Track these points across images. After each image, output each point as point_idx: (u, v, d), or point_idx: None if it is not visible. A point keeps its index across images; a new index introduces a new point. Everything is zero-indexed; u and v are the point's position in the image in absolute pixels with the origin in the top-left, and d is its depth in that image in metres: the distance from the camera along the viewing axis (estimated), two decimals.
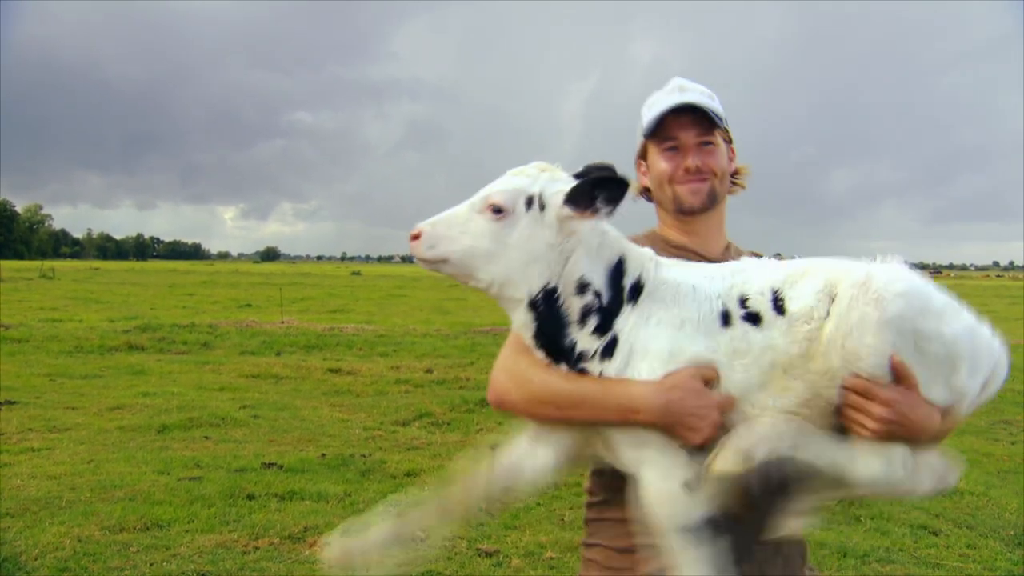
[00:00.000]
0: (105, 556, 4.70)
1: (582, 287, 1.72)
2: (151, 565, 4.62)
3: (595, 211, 1.66)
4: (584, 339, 1.72)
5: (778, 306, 1.69)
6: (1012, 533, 5.51)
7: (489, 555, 4.91)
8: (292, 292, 31.58)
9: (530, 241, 1.70)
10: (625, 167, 2.15)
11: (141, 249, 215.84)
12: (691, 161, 1.97)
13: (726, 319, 1.70)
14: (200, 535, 5.06)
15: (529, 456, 1.82)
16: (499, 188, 1.73)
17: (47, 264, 55.92)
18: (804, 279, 1.71)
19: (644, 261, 1.79)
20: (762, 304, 1.70)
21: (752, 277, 1.75)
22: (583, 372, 1.72)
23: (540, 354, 1.77)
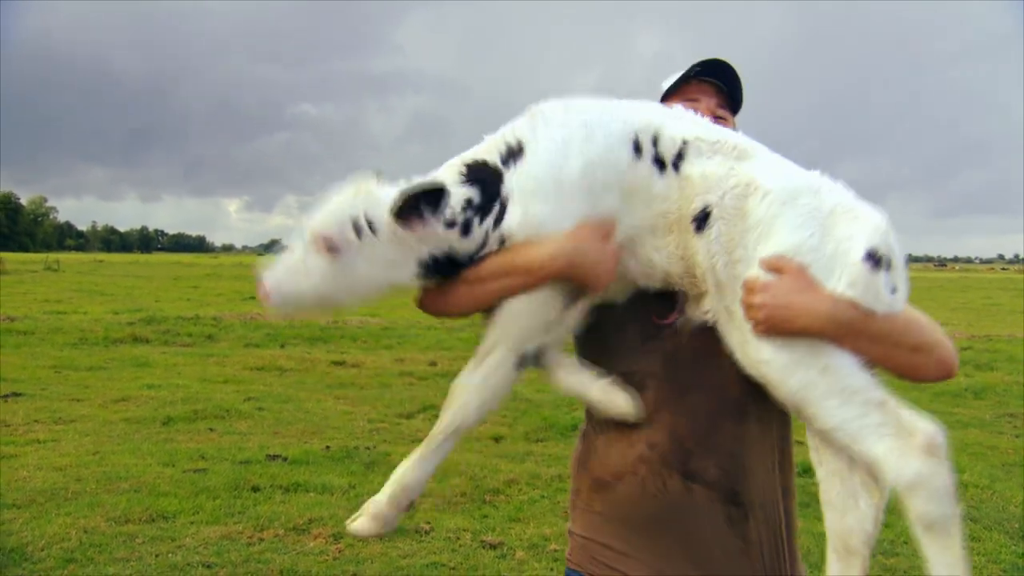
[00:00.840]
0: (111, 547, 4.74)
1: (450, 224, 1.66)
2: (156, 556, 4.65)
3: (424, 222, 1.64)
4: (476, 232, 1.68)
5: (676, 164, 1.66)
6: (1016, 526, 5.51)
7: (493, 547, 4.93)
8: None
9: (377, 264, 1.67)
10: None
11: (145, 241, 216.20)
12: None
13: (637, 148, 1.66)
14: (205, 526, 5.09)
15: None
16: (324, 220, 1.67)
17: (52, 256, 56.04)
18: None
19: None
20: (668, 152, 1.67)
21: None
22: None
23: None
